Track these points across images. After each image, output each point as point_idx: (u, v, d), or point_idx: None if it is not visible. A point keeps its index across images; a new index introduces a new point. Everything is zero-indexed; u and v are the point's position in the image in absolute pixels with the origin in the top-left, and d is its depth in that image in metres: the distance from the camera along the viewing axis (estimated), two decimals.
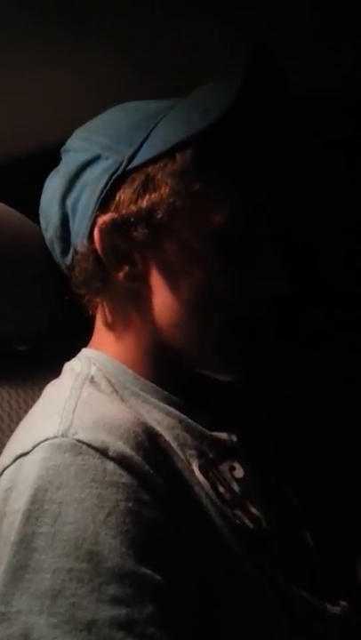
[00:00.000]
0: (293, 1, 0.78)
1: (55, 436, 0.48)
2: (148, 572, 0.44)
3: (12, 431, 0.63)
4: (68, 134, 0.65)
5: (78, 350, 0.65)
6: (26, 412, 0.62)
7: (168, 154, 0.54)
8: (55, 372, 0.65)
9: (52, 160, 0.66)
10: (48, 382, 0.63)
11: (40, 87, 0.93)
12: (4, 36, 0.82)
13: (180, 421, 0.58)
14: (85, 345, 0.65)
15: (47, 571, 0.43)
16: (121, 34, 0.83)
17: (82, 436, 0.48)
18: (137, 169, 0.56)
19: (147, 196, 0.55)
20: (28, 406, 0.71)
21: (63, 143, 0.65)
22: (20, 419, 0.66)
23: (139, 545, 0.45)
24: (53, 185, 0.62)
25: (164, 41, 0.85)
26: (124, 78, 0.91)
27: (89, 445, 0.48)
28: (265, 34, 0.80)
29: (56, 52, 0.85)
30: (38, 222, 0.81)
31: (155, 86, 0.89)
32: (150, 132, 0.56)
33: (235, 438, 0.61)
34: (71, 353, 0.65)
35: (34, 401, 0.70)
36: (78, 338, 0.68)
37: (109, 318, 0.61)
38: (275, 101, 0.58)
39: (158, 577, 0.45)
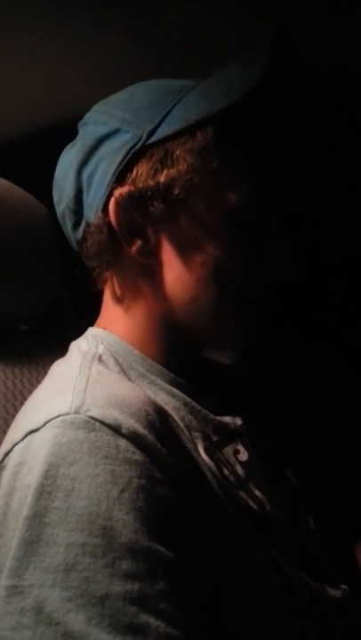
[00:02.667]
0: None
1: (68, 413, 0.48)
2: (161, 548, 0.45)
3: (16, 410, 0.63)
4: (73, 112, 0.65)
5: (81, 330, 0.65)
6: (30, 391, 0.62)
7: (188, 131, 0.55)
8: (58, 351, 0.65)
9: (57, 138, 0.66)
10: (51, 361, 0.63)
11: (43, 65, 0.92)
12: (7, 15, 0.81)
13: (186, 404, 0.58)
14: (90, 324, 0.65)
15: (60, 545, 0.43)
16: (124, 11, 0.82)
17: (94, 412, 0.48)
18: (156, 144, 0.56)
19: (165, 172, 0.55)
20: (31, 385, 0.71)
21: (67, 121, 0.65)
22: (24, 398, 0.66)
23: (151, 521, 0.45)
24: (69, 158, 0.62)
25: (167, 19, 0.84)
26: (127, 57, 0.90)
27: (102, 422, 0.48)
28: (271, 11, 0.80)
29: (57, 30, 0.84)
30: (43, 200, 0.80)
31: (159, 64, 0.89)
32: (172, 108, 0.56)
33: (239, 422, 0.61)
34: (74, 332, 0.65)
35: (38, 380, 0.70)
36: (81, 317, 0.68)
37: (119, 292, 0.61)
38: (296, 86, 0.59)
39: (170, 553, 0.45)
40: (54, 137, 0.66)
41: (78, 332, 0.65)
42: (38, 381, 0.63)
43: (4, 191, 0.77)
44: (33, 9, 0.80)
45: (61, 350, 0.64)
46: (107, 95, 0.64)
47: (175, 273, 0.58)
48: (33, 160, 0.90)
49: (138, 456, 0.47)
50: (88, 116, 0.63)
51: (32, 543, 0.43)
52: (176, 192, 0.55)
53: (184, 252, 0.57)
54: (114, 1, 0.79)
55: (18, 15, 0.81)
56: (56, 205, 0.65)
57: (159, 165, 0.55)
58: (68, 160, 0.62)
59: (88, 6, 0.80)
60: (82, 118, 0.64)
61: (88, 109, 0.64)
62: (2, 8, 0.79)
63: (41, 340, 0.79)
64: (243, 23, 0.83)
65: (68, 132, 0.65)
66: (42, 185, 0.73)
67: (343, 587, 0.63)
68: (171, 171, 0.55)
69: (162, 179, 0.55)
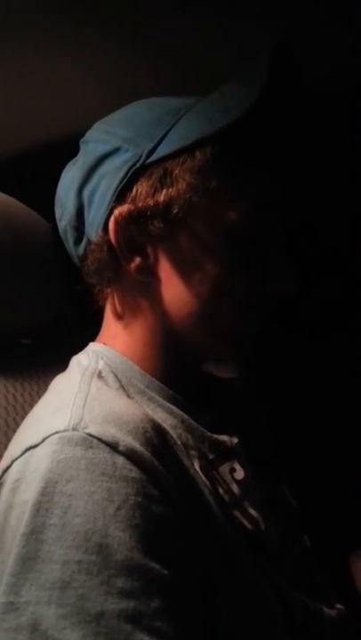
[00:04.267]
0: None
1: (66, 430, 0.48)
2: (157, 566, 0.45)
3: (17, 424, 0.64)
4: (74, 129, 0.65)
5: (82, 344, 0.65)
6: (31, 405, 0.62)
7: (187, 150, 0.55)
8: (59, 365, 0.65)
9: (59, 154, 0.66)
10: (52, 376, 0.64)
11: (45, 81, 0.92)
12: (9, 30, 0.82)
13: (183, 421, 0.58)
14: (90, 339, 0.66)
15: (56, 562, 0.43)
16: (127, 27, 0.83)
17: (92, 430, 0.48)
18: (156, 163, 0.56)
19: (164, 191, 0.56)
20: (32, 400, 0.71)
21: (69, 138, 0.65)
22: (25, 412, 0.66)
23: (147, 539, 0.45)
24: (71, 175, 0.63)
25: (171, 35, 0.85)
26: (129, 74, 0.91)
27: (99, 439, 0.48)
28: (273, 26, 0.80)
29: (62, 45, 0.85)
30: (45, 215, 0.81)
31: (161, 80, 0.90)
32: (171, 127, 0.57)
33: (235, 440, 0.61)
34: (75, 347, 0.66)
35: (38, 394, 0.70)
36: (82, 332, 0.69)
37: (119, 309, 0.62)
38: (294, 103, 0.59)
39: (166, 571, 0.45)
40: (56, 153, 0.67)
41: (79, 346, 0.65)
42: (39, 395, 0.64)
43: (6, 206, 0.77)
44: (36, 25, 0.81)
45: (62, 364, 0.64)
46: (109, 111, 0.65)
47: (174, 290, 0.58)
48: (34, 175, 0.91)
49: (135, 473, 0.47)
50: (89, 134, 0.63)
51: (29, 560, 0.43)
52: (175, 211, 0.56)
53: (183, 269, 0.58)
54: (117, 18, 0.80)
55: (19, 30, 0.81)
56: (58, 222, 0.66)
57: (158, 184, 0.56)
58: (69, 177, 0.63)
59: (92, 23, 0.81)
60: (83, 134, 0.65)
61: (89, 126, 0.65)
62: (4, 24, 0.80)
63: (42, 354, 0.79)
64: (242, 38, 0.84)
65: (69, 148, 0.66)
66: (43, 200, 0.74)
67: (339, 606, 0.63)
68: (170, 190, 0.55)
69: (161, 198, 0.56)
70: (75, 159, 0.64)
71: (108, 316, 0.64)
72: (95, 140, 0.61)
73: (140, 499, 0.46)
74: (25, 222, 0.79)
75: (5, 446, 0.57)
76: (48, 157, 0.86)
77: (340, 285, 1.07)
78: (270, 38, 0.55)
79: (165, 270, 0.58)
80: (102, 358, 0.60)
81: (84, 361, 0.61)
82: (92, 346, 0.64)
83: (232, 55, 0.86)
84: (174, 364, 0.61)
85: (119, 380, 0.58)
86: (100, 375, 0.58)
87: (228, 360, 0.64)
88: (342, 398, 1.03)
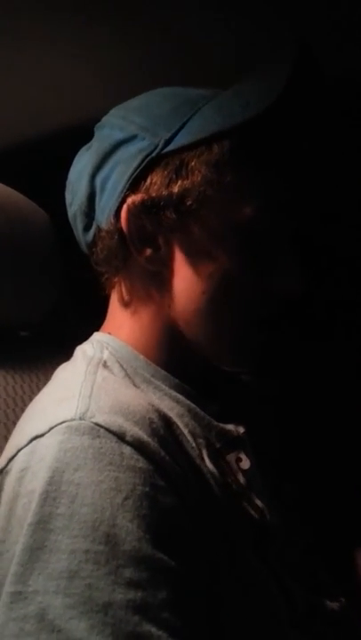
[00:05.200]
0: None
1: (73, 419, 0.48)
2: (164, 556, 0.44)
3: (16, 416, 0.63)
4: (74, 119, 0.65)
5: (81, 336, 0.65)
6: (30, 397, 0.62)
7: (205, 142, 0.55)
8: (59, 357, 0.65)
9: (59, 145, 0.66)
10: (52, 367, 0.63)
11: (45, 72, 0.92)
12: (10, 21, 0.81)
13: (190, 410, 0.58)
14: (89, 329, 0.65)
15: (64, 551, 0.42)
16: (129, 19, 0.82)
17: (99, 419, 0.48)
18: (172, 153, 0.56)
19: (179, 182, 0.55)
20: (31, 391, 0.71)
21: (69, 129, 0.65)
22: (24, 404, 0.66)
23: (155, 529, 0.45)
24: (84, 160, 0.62)
25: (172, 27, 0.84)
26: (130, 66, 0.91)
27: (107, 429, 0.47)
28: (273, 21, 0.80)
29: (62, 37, 0.85)
30: (44, 207, 0.81)
31: (163, 73, 0.89)
32: (189, 118, 0.56)
33: (241, 430, 0.61)
34: (74, 338, 0.65)
35: (38, 386, 0.70)
36: (81, 323, 0.68)
37: (126, 297, 0.61)
38: (315, 102, 0.59)
39: (173, 562, 0.45)
40: (56, 143, 0.67)
41: (79, 338, 0.65)
42: (39, 387, 0.63)
43: (5, 197, 0.77)
44: (37, 16, 0.81)
45: (62, 356, 0.64)
46: (109, 103, 0.64)
47: (183, 283, 0.58)
48: (34, 166, 0.90)
49: (142, 463, 0.47)
50: (105, 120, 0.63)
51: (36, 549, 0.43)
52: (189, 203, 0.55)
53: (193, 262, 0.57)
54: (118, 9, 0.80)
55: (20, 21, 0.81)
56: (68, 206, 0.65)
57: (174, 175, 0.55)
58: (82, 162, 0.62)
59: (93, 14, 0.81)
60: (83, 126, 0.64)
61: (90, 117, 0.64)
62: (7, 15, 0.80)
63: (41, 346, 0.79)
64: (245, 36, 0.84)
65: (69, 140, 0.65)
66: (42, 191, 0.74)
67: (342, 599, 0.63)
68: (185, 181, 0.55)
69: (175, 189, 0.55)
70: (88, 144, 0.64)
71: (114, 305, 0.64)
72: (111, 126, 0.61)
73: (147, 489, 0.46)
74: (24, 213, 0.79)
75: (5, 438, 0.56)
76: (47, 148, 0.86)
77: (346, 285, 1.08)
78: (274, 39, 0.55)
79: (175, 261, 0.58)
80: (107, 348, 0.60)
81: (89, 351, 0.60)
82: (96, 335, 0.63)
83: (233, 51, 0.86)
84: (180, 355, 0.61)
85: (125, 370, 0.58)
86: (105, 365, 0.57)
87: (227, 365, 0.63)
88: (346, 396, 1.03)
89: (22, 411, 0.58)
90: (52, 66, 0.90)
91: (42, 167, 0.69)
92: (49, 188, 0.68)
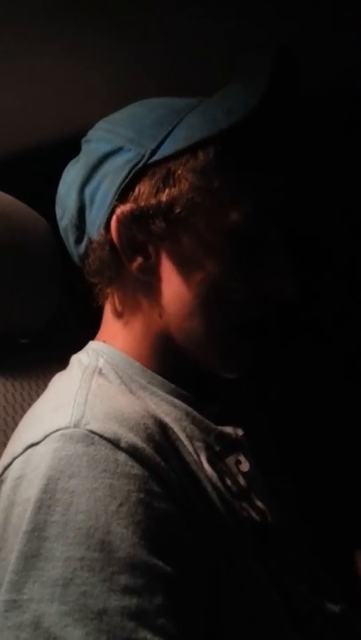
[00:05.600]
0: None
1: (67, 427, 0.48)
2: (159, 562, 0.45)
3: (16, 423, 0.63)
4: (75, 128, 0.65)
5: (82, 343, 0.65)
6: (30, 404, 0.62)
7: (190, 150, 0.55)
8: (59, 364, 0.65)
9: (59, 153, 0.66)
10: (52, 375, 0.64)
11: (46, 81, 0.93)
12: (11, 30, 0.82)
13: (187, 414, 0.58)
14: (90, 337, 0.66)
15: (59, 559, 0.43)
16: (128, 28, 0.83)
17: (94, 426, 0.48)
18: (158, 163, 0.56)
19: (166, 191, 0.56)
20: (31, 399, 0.71)
21: (69, 136, 0.65)
22: (24, 411, 0.66)
23: (150, 536, 0.45)
24: (72, 174, 0.63)
25: (171, 36, 0.85)
26: (129, 74, 0.91)
27: (101, 436, 0.48)
28: (274, 28, 0.81)
29: (62, 45, 0.85)
30: (45, 215, 0.81)
31: (162, 81, 0.90)
32: (174, 127, 0.57)
33: (240, 432, 0.62)
34: (75, 346, 0.65)
35: (38, 394, 0.70)
36: (82, 330, 0.69)
37: (119, 307, 0.62)
38: (297, 106, 0.59)
39: (168, 568, 0.45)
40: (56, 152, 0.67)
41: (79, 346, 0.65)
42: (38, 394, 0.63)
43: (7, 205, 0.77)
44: (36, 25, 0.81)
45: (62, 363, 0.64)
46: (109, 112, 0.65)
47: (174, 289, 0.58)
48: (34, 174, 0.91)
49: (137, 470, 0.47)
50: (91, 133, 0.63)
51: (31, 557, 0.43)
52: (177, 211, 0.56)
53: (184, 269, 0.58)
54: (117, 19, 0.80)
55: (20, 29, 0.82)
56: (59, 220, 0.66)
57: (161, 184, 0.56)
58: (71, 176, 0.63)
59: (92, 22, 0.81)
60: (83, 133, 0.65)
61: (89, 125, 0.65)
62: (5, 24, 0.81)
63: (42, 354, 0.79)
64: (243, 38, 0.85)
65: (69, 147, 0.66)
66: (43, 199, 0.74)
67: (342, 601, 0.63)
68: (172, 190, 0.55)
69: (163, 198, 0.56)
70: (76, 158, 0.64)
71: (108, 315, 0.64)
72: (97, 139, 0.61)
73: (142, 495, 0.46)
74: (24, 221, 0.79)
75: (4, 445, 0.56)
76: (48, 156, 0.86)
77: (342, 288, 1.08)
78: (271, 38, 0.55)
79: (166, 269, 0.58)
80: (102, 356, 0.60)
81: (85, 359, 0.61)
82: (91, 344, 0.64)
83: (233, 55, 0.86)
84: (175, 361, 0.61)
85: (120, 377, 0.58)
86: (100, 372, 0.58)
87: (218, 371, 0.63)
88: (345, 397, 1.03)
89: (22, 418, 0.59)
90: (53, 75, 0.91)
91: (43, 176, 0.69)
92: (50, 197, 0.68)
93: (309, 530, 0.67)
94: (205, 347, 0.60)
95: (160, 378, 0.60)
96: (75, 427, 0.48)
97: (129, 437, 0.49)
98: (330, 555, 0.67)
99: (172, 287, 0.58)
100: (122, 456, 0.47)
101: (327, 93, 0.86)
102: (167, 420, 0.56)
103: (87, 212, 0.61)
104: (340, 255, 1.08)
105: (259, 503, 0.58)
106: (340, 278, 1.08)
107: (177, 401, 0.59)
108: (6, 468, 0.50)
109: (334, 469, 0.95)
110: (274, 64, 0.53)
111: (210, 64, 0.88)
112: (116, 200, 0.58)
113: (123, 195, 0.57)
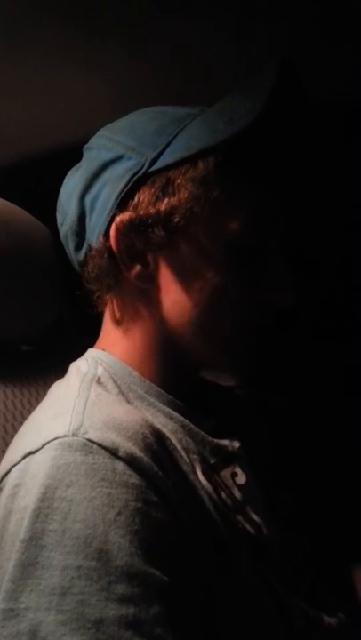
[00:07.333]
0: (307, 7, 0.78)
1: (66, 435, 0.48)
2: (156, 572, 0.45)
3: (15, 430, 0.63)
4: (75, 135, 0.66)
5: (82, 350, 0.65)
6: (29, 411, 0.62)
7: (190, 160, 0.55)
8: (59, 371, 0.65)
9: (60, 161, 0.67)
10: (52, 382, 0.64)
11: (47, 90, 0.93)
12: (13, 34, 0.82)
13: (183, 426, 0.58)
14: (90, 345, 0.66)
15: (56, 568, 0.43)
16: (131, 33, 0.83)
17: (92, 435, 0.48)
18: (158, 172, 0.56)
19: (166, 200, 0.56)
20: (31, 406, 0.71)
21: (70, 144, 0.65)
22: (23, 418, 0.66)
23: (147, 545, 0.45)
24: (73, 181, 0.63)
25: (174, 41, 0.85)
26: (131, 83, 0.92)
27: (99, 445, 0.48)
28: (277, 38, 0.81)
29: (63, 52, 0.86)
30: (46, 222, 0.81)
31: (164, 92, 0.90)
32: (175, 136, 0.57)
33: (236, 444, 0.62)
34: (75, 353, 0.66)
35: (37, 401, 0.70)
36: (82, 338, 0.69)
37: (118, 315, 0.62)
38: (297, 116, 0.60)
39: (165, 577, 0.45)
40: (56, 159, 0.67)
41: (79, 353, 0.65)
42: (38, 402, 0.63)
43: (7, 213, 0.78)
44: (37, 32, 0.82)
45: (62, 370, 0.64)
46: (109, 118, 0.65)
47: (173, 297, 0.58)
48: (35, 181, 0.91)
49: (134, 479, 0.47)
50: (92, 141, 0.64)
51: (28, 566, 0.43)
52: (176, 220, 0.56)
53: (183, 277, 0.58)
54: (122, 28, 0.81)
55: (21, 37, 0.82)
56: (59, 227, 0.66)
57: (160, 193, 0.56)
58: (72, 183, 0.63)
59: (93, 30, 0.82)
60: (84, 141, 0.65)
61: (90, 133, 0.65)
62: (6, 31, 0.81)
63: (42, 360, 0.79)
64: (245, 43, 0.85)
65: (70, 155, 0.66)
66: (44, 206, 0.74)
67: (340, 614, 0.63)
68: (172, 199, 0.56)
69: (163, 207, 0.56)
70: (77, 165, 0.65)
71: (107, 323, 0.64)
72: (98, 147, 0.62)
73: (139, 504, 0.46)
74: (25, 228, 0.79)
75: (4, 453, 0.56)
76: (49, 163, 0.86)
77: (339, 293, 1.08)
78: (273, 43, 0.55)
79: (165, 278, 0.59)
80: (101, 364, 0.60)
81: (83, 367, 0.61)
82: (90, 352, 0.64)
83: (235, 61, 0.87)
84: (173, 370, 0.61)
85: (118, 386, 0.58)
86: (99, 381, 0.58)
87: (225, 370, 0.64)
88: (342, 405, 1.03)
89: (21, 425, 0.59)
90: (55, 83, 0.91)
91: (43, 183, 0.70)
92: (50, 204, 0.68)
93: (307, 543, 0.67)
94: (208, 351, 0.60)
95: (157, 388, 0.60)
96: (73, 435, 0.48)
97: (127, 446, 0.49)
98: (328, 568, 0.67)
99: (171, 295, 0.58)
100: (120, 465, 0.47)
101: (327, 103, 0.86)
102: (164, 430, 0.56)
103: (87, 220, 0.61)
104: (339, 266, 1.08)
105: (254, 516, 0.58)
106: (338, 287, 1.08)
107: (173, 413, 0.59)
108: (4, 475, 0.50)
109: (333, 482, 0.94)
110: (275, 75, 0.53)
111: (212, 69, 0.89)
112: (116, 208, 0.58)
113: (122, 203, 0.58)
